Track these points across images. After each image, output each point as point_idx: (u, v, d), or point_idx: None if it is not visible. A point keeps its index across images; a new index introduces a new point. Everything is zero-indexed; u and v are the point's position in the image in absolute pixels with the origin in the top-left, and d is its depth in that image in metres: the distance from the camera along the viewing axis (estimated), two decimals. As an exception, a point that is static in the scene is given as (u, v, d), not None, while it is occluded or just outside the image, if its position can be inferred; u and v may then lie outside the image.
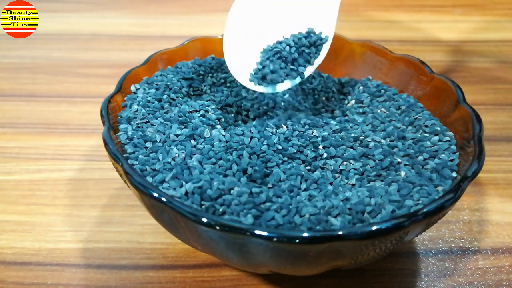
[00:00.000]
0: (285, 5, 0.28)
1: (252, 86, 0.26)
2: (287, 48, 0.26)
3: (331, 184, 0.23)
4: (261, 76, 0.26)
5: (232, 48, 0.27)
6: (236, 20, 0.28)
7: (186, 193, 0.20)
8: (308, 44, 0.27)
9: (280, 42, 0.27)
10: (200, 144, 0.24)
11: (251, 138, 0.24)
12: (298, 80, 0.27)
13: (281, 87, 0.26)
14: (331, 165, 0.24)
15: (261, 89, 0.26)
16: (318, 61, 0.28)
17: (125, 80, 0.27)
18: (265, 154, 0.23)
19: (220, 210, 0.19)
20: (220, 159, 0.22)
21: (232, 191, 0.20)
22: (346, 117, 0.29)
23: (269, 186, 0.22)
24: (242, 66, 0.27)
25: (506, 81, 0.43)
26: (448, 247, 0.27)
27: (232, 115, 0.27)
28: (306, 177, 0.22)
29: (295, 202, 0.20)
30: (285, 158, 0.24)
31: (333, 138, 0.25)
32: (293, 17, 0.28)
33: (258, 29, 0.28)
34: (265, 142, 0.24)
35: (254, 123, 0.27)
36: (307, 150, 0.24)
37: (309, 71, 0.27)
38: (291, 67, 0.26)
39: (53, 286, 0.24)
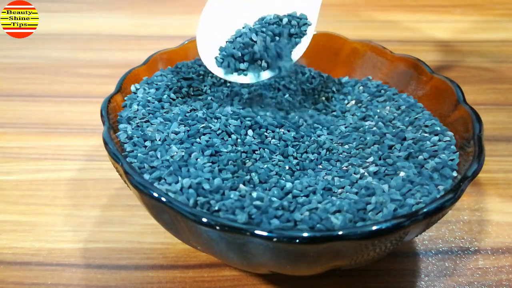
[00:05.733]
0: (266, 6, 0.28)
1: (227, 76, 0.26)
2: (256, 35, 0.26)
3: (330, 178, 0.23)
4: (227, 64, 0.26)
5: (205, 37, 0.27)
6: (212, 12, 0.28)
7: (181, 189, 0.20)
8: (282, 27, 0.26)
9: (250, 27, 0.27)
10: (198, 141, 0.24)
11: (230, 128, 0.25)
12: (272, 72, 0.26)
13: (254, 78, 0.26)
14: (325, 154, 0.24)
15: (231, 78, 0.26)
16: (299, 51, 0.27)
17: (125, 80, 0.27)
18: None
19: (216, 207, 0.19)
20: (213, 154, 0.23)
21: (226, 188, 0.20)
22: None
23: (262, 185, 0.22)
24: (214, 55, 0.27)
25: (506, 81, 0.43)
26: (448, 247, 0.27)
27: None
28: (297, 173, 0.23)
29: (294, 201, 0.20)
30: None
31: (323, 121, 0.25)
32: (273, 7, 0.28)
33: (234, 19, 0.28)
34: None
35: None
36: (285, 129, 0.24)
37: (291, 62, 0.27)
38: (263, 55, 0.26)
39: (53, 286, 0.24)
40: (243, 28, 0.27)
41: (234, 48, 0.26)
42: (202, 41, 0.27)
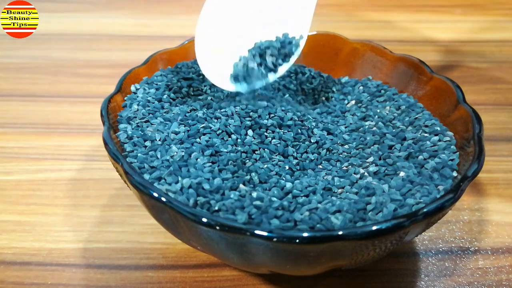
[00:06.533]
0: (258, 4, 0.29)
1: (226, 86, 0.27)
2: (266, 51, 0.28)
3: (328, 178, 0.23)
4: (241, 77, 0.27)
5: (204, 48, 0.28)
6: (208, 21, 0.28)
7: (181, 189, 0.20)
8: (285, 45, 0.28)
9: (258, 46, 0.28)
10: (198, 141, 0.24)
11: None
12: (272, 78, 0.28)
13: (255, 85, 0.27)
14: (325, 155, 0.25)
15: (235, 88, 0.27)
16: (293, 58, 0.28)
17: (125, 80, 0.27)
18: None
19: (216, 207, 0.19)
20: (213, 154, 0.23)
21: (226, 188, 0.20)
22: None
23: (262, 185, 0.22)
24: (215, 66, 0.27)
25: (506, 81, 0.43)
26: (448, 247, 0.27)
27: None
28: (297, 173, 0.23)
29: (294, 201, 0.20)
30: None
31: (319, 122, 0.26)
32: (267, 15, 0.29)
33: (230, 29, 0.28)
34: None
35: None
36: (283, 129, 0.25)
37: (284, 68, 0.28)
38: (269, 66, 0.27)
39: (53, 286, 0.24)
40: (239, 60, 0.28)
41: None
42: (200, 52, 0.28)
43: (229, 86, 0.27)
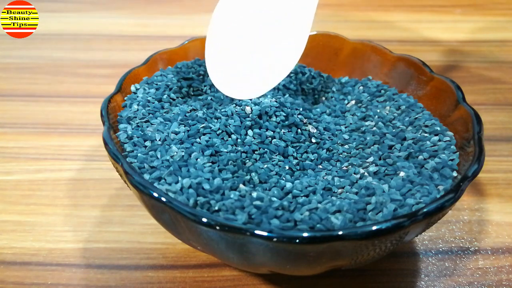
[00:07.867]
0: (262, 13, 0.29)
1: (233, 94, 0.27)
2: None
3: (329, 178, 0.23)
4: None
5: (214, 57, 0.28)
6: (217, 30, 0.28)
7: (181, 189, 0.20)
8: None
9: None
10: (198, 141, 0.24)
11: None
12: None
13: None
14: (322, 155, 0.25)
15: (243, 96, 0.27)
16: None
17: (125, 80, 0.27)
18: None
19: (216, 207, 0.19)
20: (213, 154, 0.23)
21: (226, 188, 0.20)
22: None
23: (262, 185, 0.22)
24: (224, 76, 0.27)
25: (506, 81, 0.43)
26: (448, 247, 0.27)
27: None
28: (296, 173, 0.23)
29: (294, 201, 0.20)
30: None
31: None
32: (272, 18, 0.29)
33: (237, 38, 0.28)
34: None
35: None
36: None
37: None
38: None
39: (53, 286, 0.24)
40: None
41: None
42: (210, 63, 0.28)
43: (236, 94, 0.27)
